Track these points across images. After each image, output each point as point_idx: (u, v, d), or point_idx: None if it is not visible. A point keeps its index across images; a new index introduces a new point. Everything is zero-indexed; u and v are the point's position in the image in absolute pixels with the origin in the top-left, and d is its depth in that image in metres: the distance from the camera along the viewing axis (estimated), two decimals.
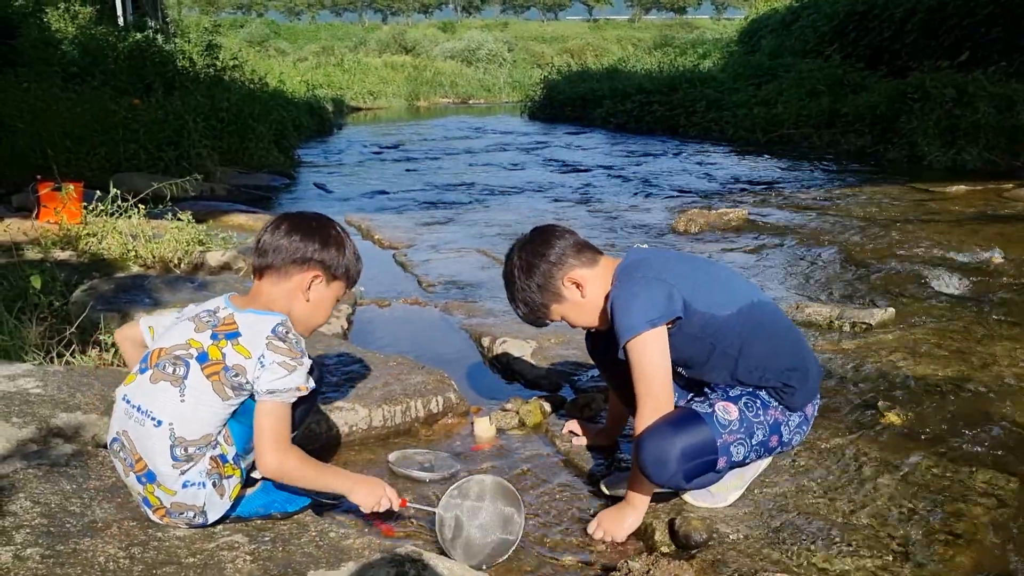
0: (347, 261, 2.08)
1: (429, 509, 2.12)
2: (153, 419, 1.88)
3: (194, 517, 1.92)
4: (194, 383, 1.88)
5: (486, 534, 2.08)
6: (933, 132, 10.17)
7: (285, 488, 2.11)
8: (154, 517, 1.94)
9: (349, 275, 2.11)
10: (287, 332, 1.92)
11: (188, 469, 1.89)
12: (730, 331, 2.12)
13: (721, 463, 2.07)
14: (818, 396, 2.25)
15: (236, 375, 1.88)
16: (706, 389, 2.23)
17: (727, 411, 2.10)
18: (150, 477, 1.89)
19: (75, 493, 2.05)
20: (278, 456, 1.88)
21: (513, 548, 2.09)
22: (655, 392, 2.06)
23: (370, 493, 2.01)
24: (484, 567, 2.04)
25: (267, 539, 1.93)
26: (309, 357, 1.95)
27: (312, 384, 1.96)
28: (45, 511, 1.94)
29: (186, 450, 1.88)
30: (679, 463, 1.99)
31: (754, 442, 2.12)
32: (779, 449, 2.19)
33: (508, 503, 2.11)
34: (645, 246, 2.33)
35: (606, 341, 2.22)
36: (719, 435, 2.06)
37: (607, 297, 2.17)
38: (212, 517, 1.94)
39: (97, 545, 1.82)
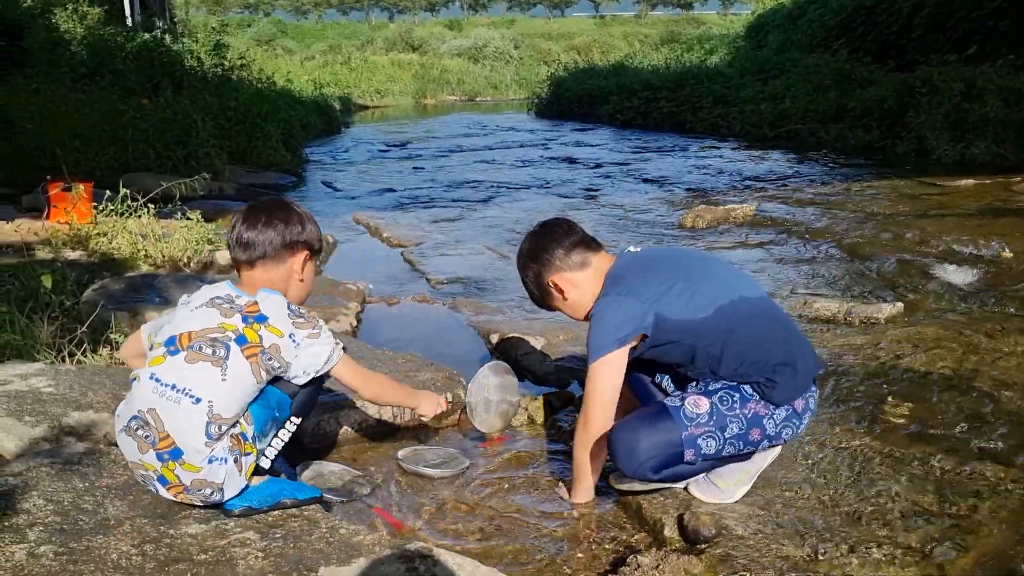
0: (320, 234, 2.23)
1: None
2: (191, 396, 1.92)
3: (212, 494, 1.96)
4: (235, 364, 1.96)
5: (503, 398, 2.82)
6: (941, 126, 10.09)
7: (291, 480, 2.15)
8: (167, 494, 1.98)
9: (322, 247, 2.26)
10: (298, 308, 2.09)
11: (215, 446, 1.94)
12: (710, 331, 2.15)
13: (689, 455, 2.13)
14: (813, 390, 2.22)
15: (271, 358, 1.99)
16: (690, 385, 2.27)
17: (697, 404, 2.15)
18: (175, 454, 1.92)
19: (87, 491, 2.07)
20: (370, 384, 2.24)
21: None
22: (602, 408, 2.20)
23: (431, 405, 2.43)
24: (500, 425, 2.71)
25: (278, 536, 1.94)
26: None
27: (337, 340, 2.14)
28: (58, 509, 1.96)
29: (220, 428, 1.94)
30: (646, 454, 2.10)
31: (727, 435, 2.13)
32: (765, 443, 2.18)
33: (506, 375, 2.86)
34: (636, 248, 2.37)
35: None
36: (684, 428, 2.12)
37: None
38: (229, 494, 1.98)
39: (110, 542, 1.84)
